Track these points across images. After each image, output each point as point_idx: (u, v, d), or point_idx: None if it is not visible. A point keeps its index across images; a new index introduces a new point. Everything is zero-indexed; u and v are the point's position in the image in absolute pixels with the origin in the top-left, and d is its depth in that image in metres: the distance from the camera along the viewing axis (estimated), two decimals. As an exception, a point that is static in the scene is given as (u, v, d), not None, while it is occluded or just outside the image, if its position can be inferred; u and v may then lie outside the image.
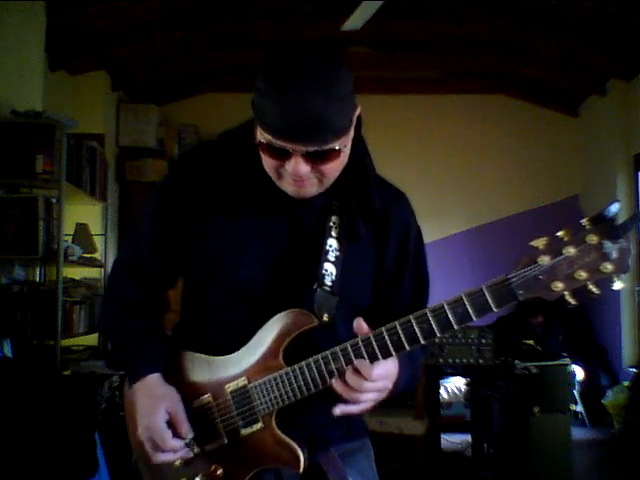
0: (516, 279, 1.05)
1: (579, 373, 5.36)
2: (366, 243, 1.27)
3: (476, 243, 6.37)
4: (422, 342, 1.11)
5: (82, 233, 4.61)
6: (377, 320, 1.16)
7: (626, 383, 5.19)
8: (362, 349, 1.14)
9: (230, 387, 1.22)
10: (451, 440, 4.70)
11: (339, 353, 1.15)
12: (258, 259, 1.23)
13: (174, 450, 1.21)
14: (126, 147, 5.90)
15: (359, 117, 1.21)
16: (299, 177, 1.14)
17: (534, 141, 6.52)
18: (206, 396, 1.24)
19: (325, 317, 1.19)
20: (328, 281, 1.21)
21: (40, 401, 2.63)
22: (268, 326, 1.20)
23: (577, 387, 5.21)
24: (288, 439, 1.20)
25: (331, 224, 1.24)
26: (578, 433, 4.79)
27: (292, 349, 1.19)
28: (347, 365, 1.14)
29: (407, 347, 1.12)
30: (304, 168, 1.12)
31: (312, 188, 1.17)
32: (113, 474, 2.80)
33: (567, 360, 3.84)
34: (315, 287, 1.20)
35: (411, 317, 1.11)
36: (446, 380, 5.43)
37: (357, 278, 1.26)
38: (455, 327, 1.09)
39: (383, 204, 1.27)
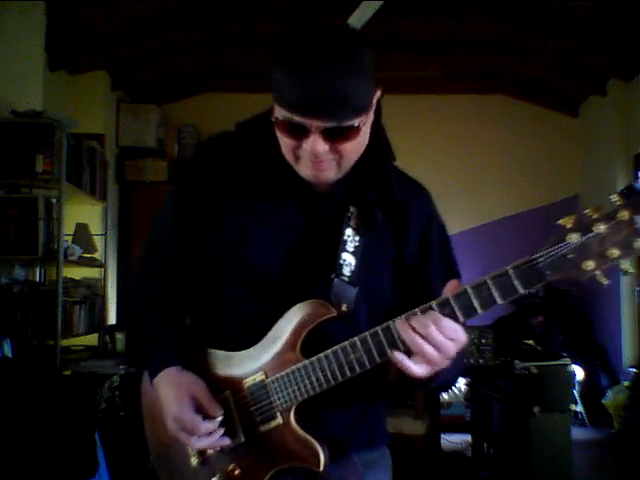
0: (543, 259, 1.00)
1: (579, 373, 5.36)
2: (384, 233, 1.23)
3: (476, 243, 6.37)
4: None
5: (82, 233, 4.61)
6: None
7: (626, 383, 5.19)
8: (382, 338, 1.09)
9: (248, 382, 1.18)
10: (451, 440, 4.70)
11: (358, 344, 1.11)
12: (273, 249, 1.20)
13: (208, 432, 1.16)
14: (126, 147, 5.90)
15: (379, 104, 1.17)
16: (317, 157, 1.10)
17: (534, 141, 6.52)
18: (225, 392, 1.20)
19: (344, 307, 1.15)
20: (346, 271, 1.17)
21: (40, 401, 2.63)
22: (285, 318, 1.16)
23: (577, 387, 5.21)
24: (308, 436, 1.15)
25: (349, 214, 1.20)
26: (578, 433, 4.79)
27: (311, 341, 1.15)
28: (367, 355, 1.10)
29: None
30: (322, 147, 1.08)
31: (330, 172, 1.14)
32: (113, 474, 2.80)
33: (567, 360, 3.84)
34: (333, 277, 1.16)
35: (433, 303, 1.06)
36: (446, 380, 5.42)
37: (377, 269, 1.22)
38: (479, 311, 1.04)
39: (402, 195, 1.24)
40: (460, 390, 5.43)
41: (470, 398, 4.55)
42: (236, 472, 1.20)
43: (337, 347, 1.12)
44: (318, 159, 1.10)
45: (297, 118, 1.06)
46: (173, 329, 1.26)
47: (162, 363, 1.22)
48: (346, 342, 1.11)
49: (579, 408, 5.43)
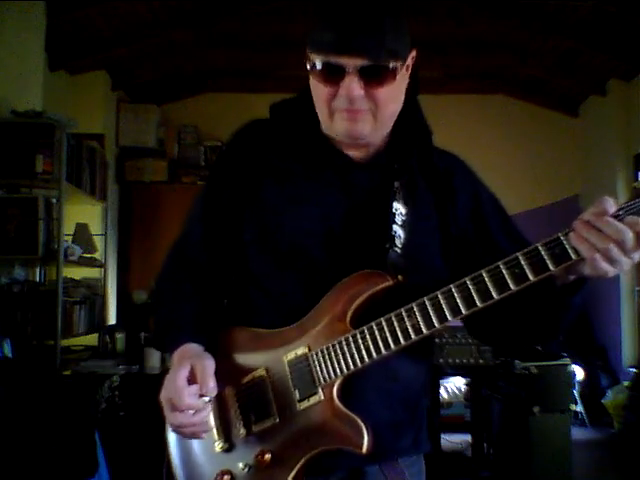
0: (623, 212, 0.95)
1: (579, 373, 5.36)
2: (428, 206, 1.20)
3: (476, 243, 6.37)
4: (513, 288, 0.98)
5: (82, 233, 4.61)
6: None
7: (626, 383, 5.19)
8: (442, 302, 1.02)
9: (288, 357, 1.11)
10: (451, 440, 4.70)
11: (415, 309, 1.03)
12: (313, 223, 1.16)
13: (191, 409, 1.08)
14: (126, 147, 5.90)
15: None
16: (352, 102, 1.09)
17: (534, 141, 6.52)
18: (259, 370, 1.13)
19: (399, 277, 1.09)
20: (398, 243, 1.13)
21: (40, 401, 2.63)
22: (336, 289, 1.10)
23: (577, 387, 5.21)
24: (351, 413, 1.05)
25: (395, 188, 1.17)
26: (578, 433, 4.79)
27: (362, 316, 1.08)
28: (425, 322, 1.03)
29: (495, 296, 0.99)
30: (358, 90, 1.08)
31: (365, 124, 1.12)
32: (113, 474, 2.80)
33: (567, 360, 3.84)
34: (387, 246, 1.12)
35: (500, 264, 0.99)
36: (446, 380, 5.43)
37: (424, 242, 1.18)
38: (552, 269, 0.97)
39: (445, 164, 1.24)
40: (460, 390, 5.44)
41: (470, 398, 4.55)
42: (266, 457, 1.09)
43: (391, 314, 1.05)
44: (354, 106, 1.10)
45: (333, 59, 1.08)
46: (196, 311, 1.22)
47: (179, 342, 1.17)
48: (401, 308, 1.05)
49: (579, 408, 5.43)
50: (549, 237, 0.99)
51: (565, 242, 0.97)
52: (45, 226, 3.78)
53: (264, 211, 1.19)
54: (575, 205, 6.37)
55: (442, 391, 5.34)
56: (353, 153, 1.20)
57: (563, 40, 5.25)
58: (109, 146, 5.43)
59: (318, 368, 1.08)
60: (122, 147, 5.89)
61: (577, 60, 5.57)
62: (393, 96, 1.14)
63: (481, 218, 1.24)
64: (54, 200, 3.89)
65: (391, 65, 1.09)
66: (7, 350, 3.29)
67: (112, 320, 5.38)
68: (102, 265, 4.94)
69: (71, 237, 4.44)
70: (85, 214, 4.80)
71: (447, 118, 6.52)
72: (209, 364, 1.11)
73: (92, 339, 4.54)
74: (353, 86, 1.07)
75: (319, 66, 1.10)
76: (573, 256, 0.97)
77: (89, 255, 4.64)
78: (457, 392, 5.49)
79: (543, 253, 0.97)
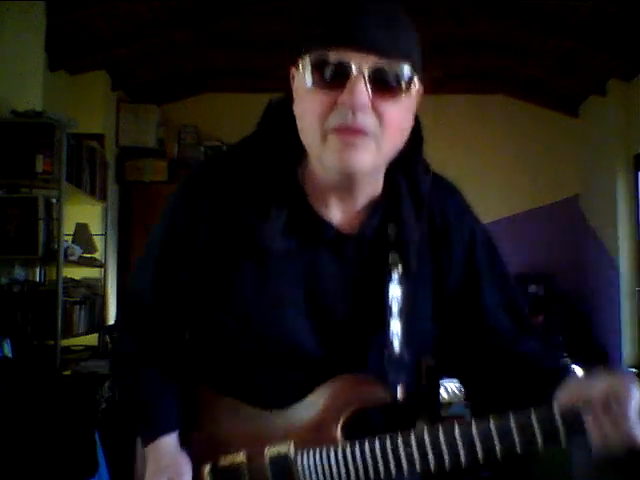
0: None
1: (579, 373, 5.35)
2: (425, 275, 1.06)
3: (476, 243, 6.36)
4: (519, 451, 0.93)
5: (82, 233, 4.61)
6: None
7: (626, 383, 5.18)
8: (444, 453, 0.94)
9: (270, 452, 1.00)
10: (451, 440, 4.69)
11: (412, 440, 0.93)
12: (303, 313, 1.01)
13: None
14: (126, 147, 5.89)
15: (419, 125, 1.08)
16: (355, 114, 0.87)
17: (534, 141, 6.51)
18: (239, 455, 1.02)
19: (399, 394, 0.98)
20: (396, 343, 0.99)
21: (40, 401, 2.63)
22: (326, 388, 0.99)
23: (577, 387, 5.20)
24: None
25: (390, 267, 1.01)
26: (578, 433, 4.78)
27: (354, 420, 0.99)
28: (420, 452, 0.93)
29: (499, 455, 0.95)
30: (365, 95, 0.86)
31: (365, 153, 0.90)
32: (113, 474, 2.80)
33: (567, 360, 3.83)
34: (387, 354, 0.98)
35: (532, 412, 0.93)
36: (446, 380, 5.43)
37: (422, 328, 1.06)
38: (564, 445, 0.94)
39: (441, 221, 1.10)
40: (460, 390, 5.43)
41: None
42: None
43: (386, 436, 0.94)
44: (355, 120, 0.88)
45: (336, 55, 0.86)
46: (163, 392, 1.12)
47: (153, 433, 1.10)
48: (398, 434, 0.94)
49: (579, 408, 5.42)
50: (570, 409, 0.94)
51: (585, 424, 0.93)
52: (45, 226, 3.78)
53: (244, 302, 1.02)
54: (575, 205, 6.37)
55: (442, 391, 5.34)
56: (341, 218, 1.02)
57: (563, 40, 5.25)
58: (109, 146, 5.43)
59: (302, 476, 0.98)
60: (122, 147, 5.89)
61: (577, 60, 5.57)
62: (401, 120, 0.94)
63: (474, 283, 1.11)
64: (54, 200, 3.89)
65: (406, 71, 0.89)
66: (7, 350, 3.29)
67: (112, 320, 5.37)
68: (102, 265, 4.94)
69: (71, 237, 4.44)
70: (85, 214, 4.80)
71: (447, 118, 6.53)
72: (187, 477, 1.04)
73: (92, 339, 4.54)
74: (360, 88, 0.86)
75: (315, 66, 0.88)
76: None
77: (89, 255, 4.64)
78: (457, 392, 5.49)
79: (561, 430, 0.94)
